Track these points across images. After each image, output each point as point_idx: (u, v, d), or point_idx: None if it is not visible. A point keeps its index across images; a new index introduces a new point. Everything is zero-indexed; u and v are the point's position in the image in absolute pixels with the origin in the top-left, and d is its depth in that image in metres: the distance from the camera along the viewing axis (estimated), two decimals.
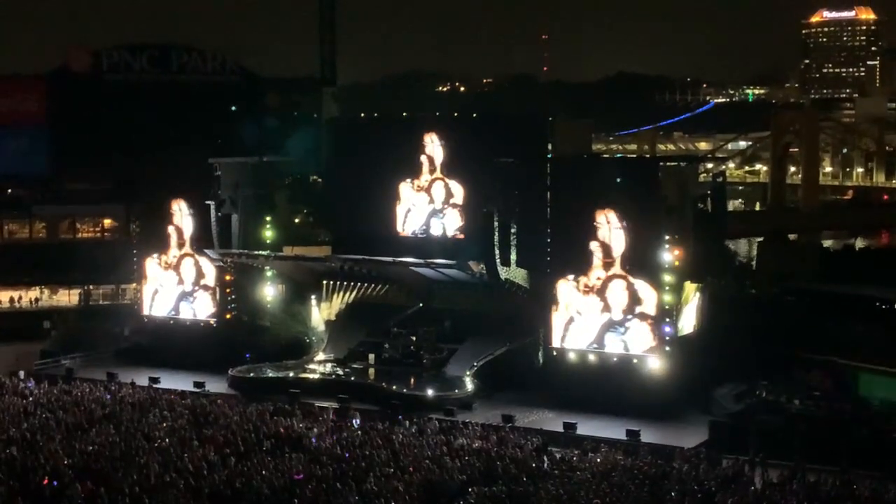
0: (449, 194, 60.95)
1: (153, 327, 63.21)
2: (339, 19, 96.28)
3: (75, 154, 78.87)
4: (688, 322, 50.97)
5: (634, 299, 49.47)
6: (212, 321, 61.56)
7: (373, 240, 59.49)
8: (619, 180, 50.93)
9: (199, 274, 61.86)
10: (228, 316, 61.44)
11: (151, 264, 63.01)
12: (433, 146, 60.86)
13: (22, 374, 55.57)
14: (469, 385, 52.16)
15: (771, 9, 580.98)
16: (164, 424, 43.31)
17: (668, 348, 48.93)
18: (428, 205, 61.59)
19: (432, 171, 61.05)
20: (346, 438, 41.42)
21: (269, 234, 62.37)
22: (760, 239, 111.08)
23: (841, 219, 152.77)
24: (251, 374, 55.86)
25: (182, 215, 61.97)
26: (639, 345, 49.56)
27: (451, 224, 60.94)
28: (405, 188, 61.75)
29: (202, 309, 61.91)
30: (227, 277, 61.37)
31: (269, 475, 35.24)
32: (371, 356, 57.13)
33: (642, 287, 49.25)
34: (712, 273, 54.23)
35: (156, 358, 59.36)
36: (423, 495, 34.04)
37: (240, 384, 54.85)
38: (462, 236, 60.06)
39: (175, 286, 62.58)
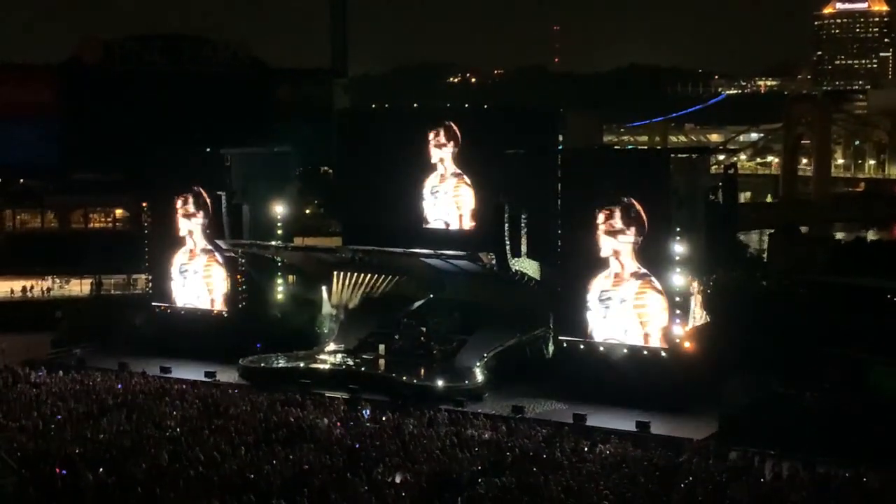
0: (460, 186, 60.85)
1: (164, 317, 63.39)
2: (350, 10, 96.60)
3: (87, 144, 79.18)
4: (699, 314, 50.86)
5: (645, 291, 49.41)
6: (223, 311, 61.78)
7: (383, 230, 59.32)
8: (629, 172, 50.83)
9: (210, 264, 62.01)
10: (239, 306, 61.58)
11: (166, 254, 63.14)
12: (444, 138, 60.73)
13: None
14: (479, 376, 52.17)
15: (784, 0, 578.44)
16: (175, 414, 43.45)
17: (678, 340, 48.87)
18: (439, 196, 61.47)
19: (443, 162, 60.92)
20: (356, 429, 41.52)
21: (279, 224, 62.37)
22: (772, 231, 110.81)
23: (853, 211, 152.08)
24: (262, 365, 55.95)
25: (193, 206, 62.06)
26: (649, 336, 49.52)
27: (461, 215, 60.82)
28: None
29: (213, 299, 62.07)
30: (238, 268, 61.47)
31: (280, 465, 35.36)
32: (381, 347, 57.10)
33: (653, 279, 49.18)
34: (723, 265, 54.09)
35: (167, 348, 59.42)
36: (433, 485, 34.09)
37: (250, 374, 54.99)
38: (473, 227, 59.98)
39: (186, 276, 62.73)
